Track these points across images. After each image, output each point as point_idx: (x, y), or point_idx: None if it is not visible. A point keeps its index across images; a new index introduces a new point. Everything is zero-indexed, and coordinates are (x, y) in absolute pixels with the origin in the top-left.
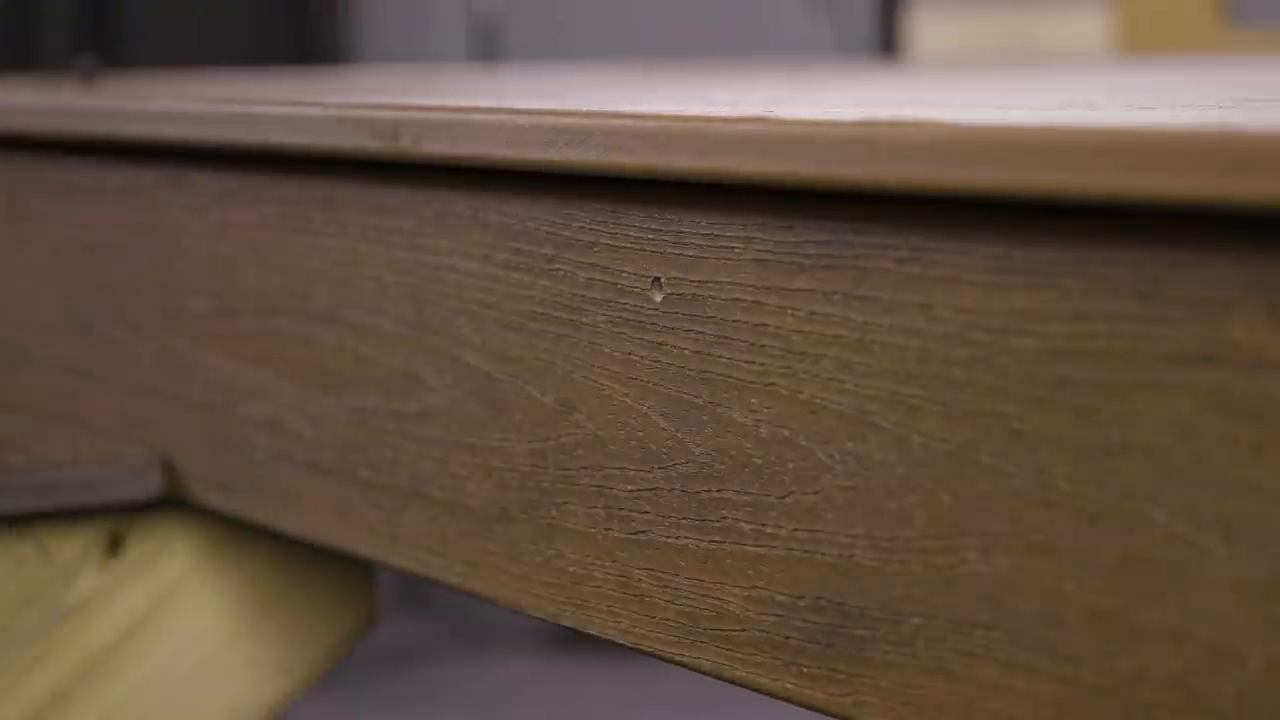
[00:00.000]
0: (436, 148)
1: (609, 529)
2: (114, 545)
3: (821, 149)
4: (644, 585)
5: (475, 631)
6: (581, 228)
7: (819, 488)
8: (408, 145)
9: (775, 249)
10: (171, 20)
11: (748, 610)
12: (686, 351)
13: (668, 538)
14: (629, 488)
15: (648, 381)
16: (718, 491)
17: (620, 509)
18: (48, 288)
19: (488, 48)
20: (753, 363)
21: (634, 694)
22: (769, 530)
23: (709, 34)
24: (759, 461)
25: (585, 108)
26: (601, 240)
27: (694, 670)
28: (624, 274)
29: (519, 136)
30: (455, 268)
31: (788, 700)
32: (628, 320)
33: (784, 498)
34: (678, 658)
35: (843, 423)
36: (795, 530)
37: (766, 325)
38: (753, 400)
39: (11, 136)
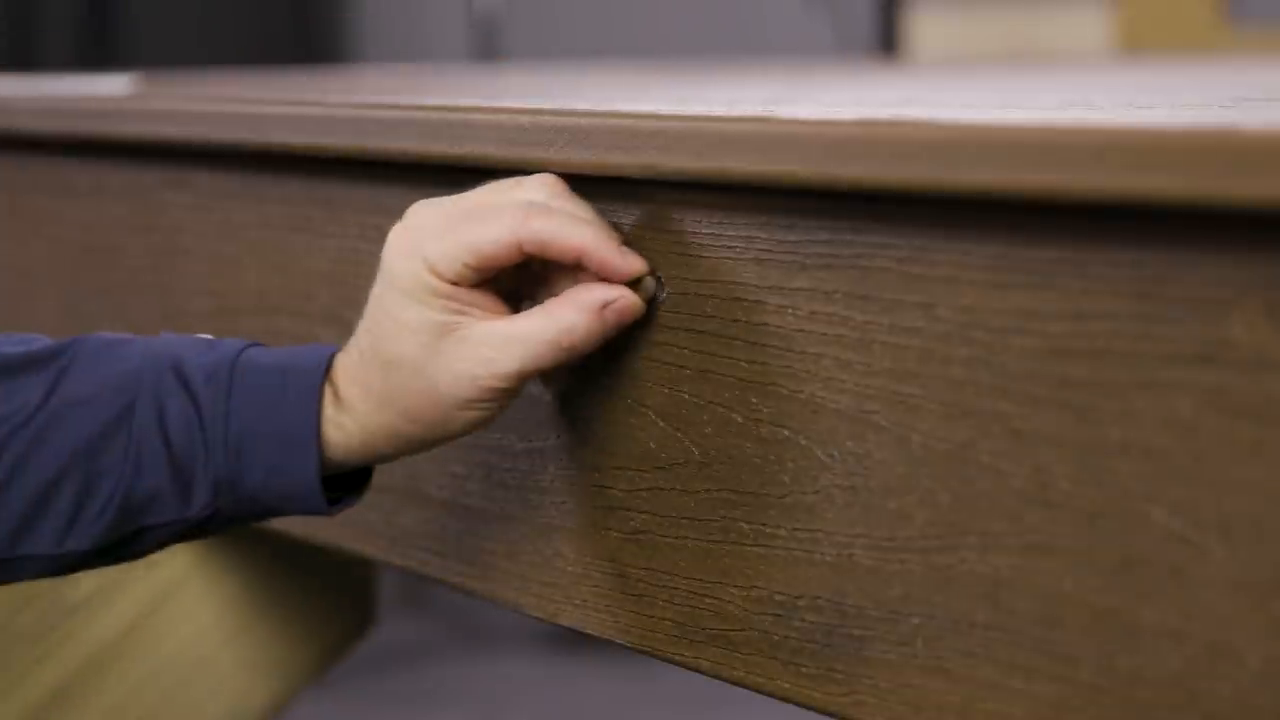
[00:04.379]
0: (437, 148)
1: (608, 529)
2: None
3: (821, 149)
4: (643, 585)
5: (475, 631)
6: None
7: (819, 487)
8: (409, 145)
9: (776, 248)
10: (172, 20)
11: (746, 610)
12: (687, 351)
13: (667, 537)
14: (629, 488)
15: (648, 381)
16: (717, 491)
17: (620, 509)
18: (48, 287)
19: (488, 47)
20: (753, 362)
21: (634, 694)
22: (768, 530)
23: (709, 34)
24: (759, 461)
25: (585, 108)
26: None
27: (693, 670)
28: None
29: (519, 136)
30: None
31: (786, 700)
32: None
33: (784, 497)
34: (677, 658)
35: (843, 422)
36: (795, 530)
37: (767, 324)
38: (753, 400)
39: (12, 136)
